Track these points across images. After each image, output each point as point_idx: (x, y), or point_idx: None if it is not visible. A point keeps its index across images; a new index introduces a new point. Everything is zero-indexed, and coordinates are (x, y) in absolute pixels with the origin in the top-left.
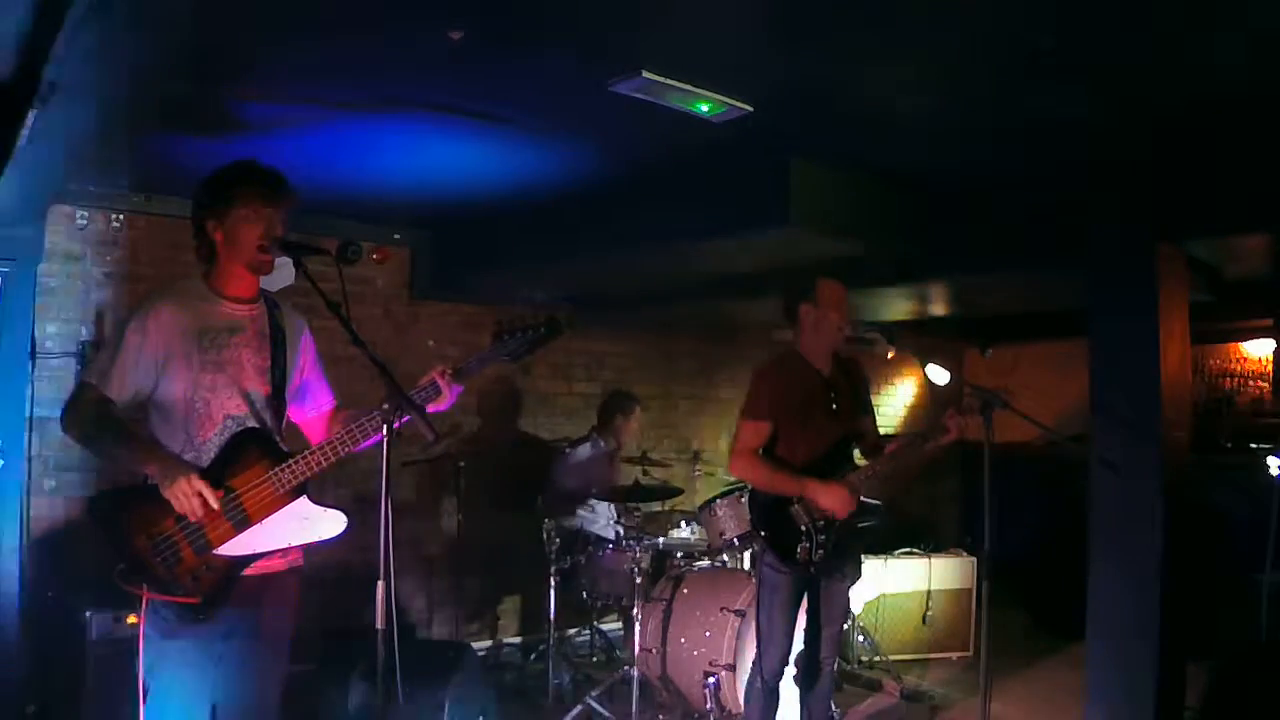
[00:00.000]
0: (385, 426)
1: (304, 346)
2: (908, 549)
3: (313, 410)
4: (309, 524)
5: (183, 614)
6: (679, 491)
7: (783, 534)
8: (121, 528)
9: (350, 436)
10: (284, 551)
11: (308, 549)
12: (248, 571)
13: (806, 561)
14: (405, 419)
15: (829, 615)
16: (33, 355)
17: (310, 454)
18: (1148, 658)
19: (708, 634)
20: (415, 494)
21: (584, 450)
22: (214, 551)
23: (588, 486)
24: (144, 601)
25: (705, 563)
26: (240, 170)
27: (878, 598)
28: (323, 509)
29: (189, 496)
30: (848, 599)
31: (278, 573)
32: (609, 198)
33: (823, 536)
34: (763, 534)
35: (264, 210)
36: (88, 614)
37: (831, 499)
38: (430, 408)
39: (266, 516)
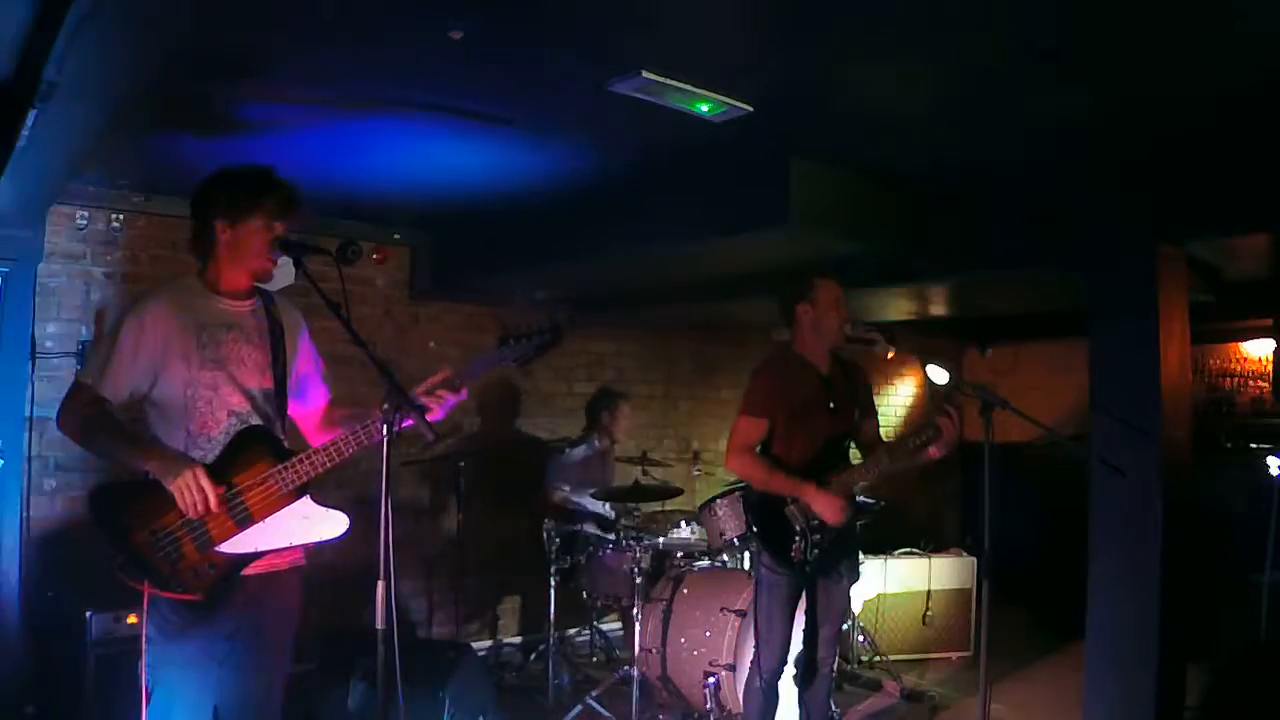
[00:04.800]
0: (386, 427)
1: (301, 341)
2: (908, 549)
3: (309, 404)
4: (311, 524)
5: (185, 613)
6: (679, 491)
7: (777, 534)
8: (123, 522)
9: (355, 438)
10: (287, 550)
11: (309, 549)
12: (251, 571)
13: (801, 561)
14: (407, 421)
15: (826, 615)
16: (33, 355)
17: (315, 454)
18: (1148, 658)
19: (708, 634)
20: (415, 494)
21: (580, 451)
22: (216, 548)
23: (585, 486)
24: (145, 601)
25: (705, 563)
26: (263, 180)
27: (878, 598)
28: (325, 509)
29: (192, 490)
30: (846, 599)
31: (280, 572)
32: (609, 198)
33: (817, 536)
34: (758, 534)
35: (279, 225)
36: (88, 614)
37: (826, 507)
38: (433, 416)
39: (269, 515)
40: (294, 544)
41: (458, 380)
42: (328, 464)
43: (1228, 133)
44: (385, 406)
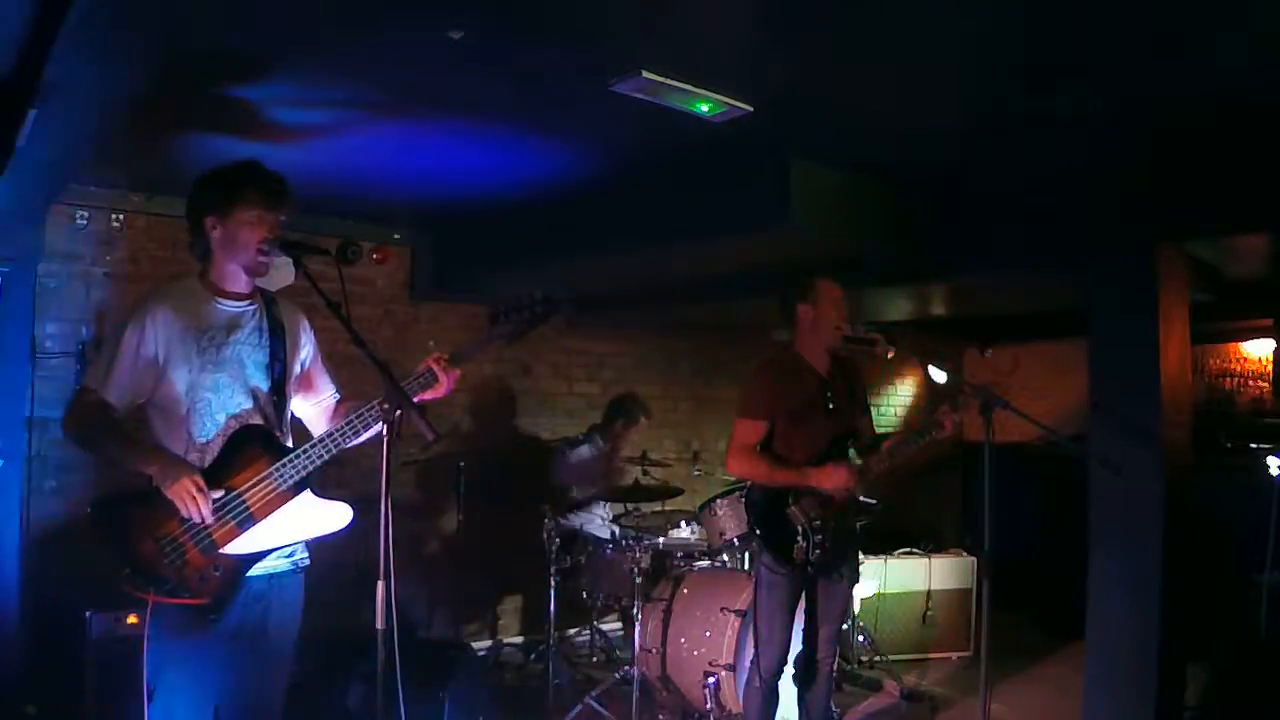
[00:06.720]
0: (386, 425)
1: (304, 340)
2: (908, 549)
3: (316, 403)
4: (314, 518)
5: (190, 616)
6: (679, 491)
7: (779, 534)
8: (126, 533)
9: (350, 428)
10: (291, 551)
11: (312, 548)
12: (254, 571)
13: (803, 562)
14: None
15: (826, 615)
16: (33, 355)
17: (310, 448)
18: (1148, 658)
19: (708, 634)
20: (415, 494)
21: (581, 451)
22: (220, 551)
23: (582, 487)
24: (149, 605)
25: (705, 563)
26: (245, 172)
27: (877, 597)
28: (327, 502)
29: (191, 497)
30: (846, 599)
31: (284, 573)
32: (609, 197)
33: (819, 537)
34: (759, 534)
35: (267, 215)
36: (88, 614)
37: (832, 479)
38: (429, 395)
39: (271, 513)
40: (298, 540)
41: (447, 364)
42: (325, 456)
43: (1228, 132)
44: (386, 406)
